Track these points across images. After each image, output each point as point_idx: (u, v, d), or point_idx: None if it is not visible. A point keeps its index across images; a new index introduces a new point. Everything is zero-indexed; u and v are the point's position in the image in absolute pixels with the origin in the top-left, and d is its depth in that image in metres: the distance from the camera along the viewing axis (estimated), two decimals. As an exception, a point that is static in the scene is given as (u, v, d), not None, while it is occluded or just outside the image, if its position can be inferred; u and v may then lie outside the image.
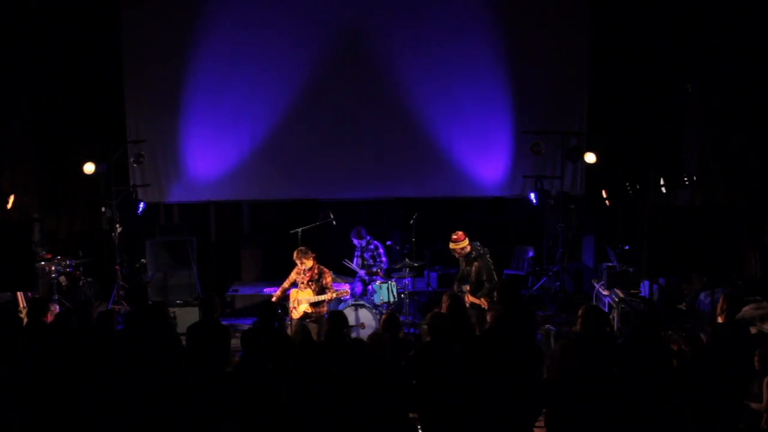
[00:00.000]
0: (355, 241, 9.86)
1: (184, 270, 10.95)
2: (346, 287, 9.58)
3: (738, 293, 6.38)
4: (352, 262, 9.84)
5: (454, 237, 8.20)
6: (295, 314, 8.33)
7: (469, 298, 7.96)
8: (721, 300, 6.18)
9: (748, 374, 5.74)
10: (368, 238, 9.84)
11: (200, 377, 5.60)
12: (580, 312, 5.66)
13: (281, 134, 11.43)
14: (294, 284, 8.53)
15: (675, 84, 10.84)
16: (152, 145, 11.24)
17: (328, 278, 8.40)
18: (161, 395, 5.47)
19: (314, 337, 8.21)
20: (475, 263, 8.08)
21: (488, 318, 6.71)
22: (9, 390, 5.48)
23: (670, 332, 7.07)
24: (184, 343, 6.44)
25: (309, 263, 8.34)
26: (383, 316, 6.41)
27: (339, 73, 11.30)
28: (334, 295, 8.48)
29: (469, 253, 8.18)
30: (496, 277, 8.12)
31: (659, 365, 5.41)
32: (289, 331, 8.39)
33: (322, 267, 8.44)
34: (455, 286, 8.36)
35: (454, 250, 8.22)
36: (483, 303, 7.86)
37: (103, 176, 10.44)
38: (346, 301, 9.15)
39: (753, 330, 7.26)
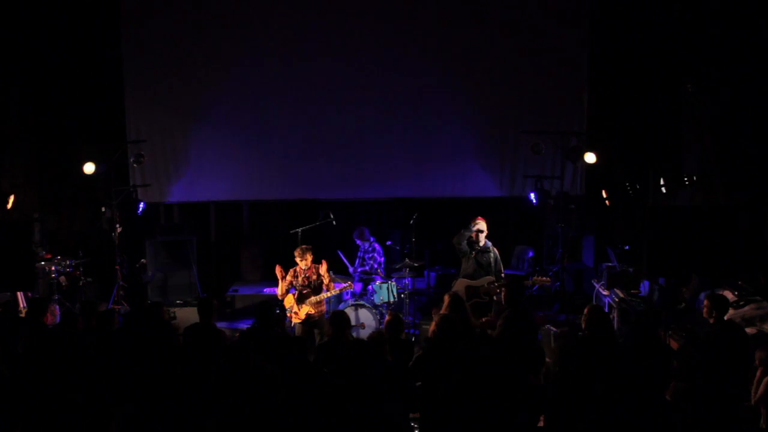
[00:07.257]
0: (359, 243, 9.86)
1: (184, 270, 10.96)
2: (347, 284, 9.57)
3: (721, 295, 6.34)
4: (354, 262, 9.84)
5: (481, 219, 8.51)
6: (296, 318, 8.30)
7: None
8: (706, 302, 6.11)
9: (746, 374, 5.74)
10: (372, 239, 9.83)
11: (197, 378, 5.60)
12: (585, 311, 5.70)
13: (281, 134, 11.45)
14: (290, 288, 8.43)
15: (675, 84, 10.83)
16: (152, 145, 11.25)
17: (326, 276, 8.39)
18: (158, 394, 5.46)
19: (316, 338, 8.20)
20: (492, 252, 8.38)
21: (494, 319, 6.71)
22: (9, 390, 5.48)
23: (670, 332, 7.06)
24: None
25: (309, 262, 8.33)
26: (387, 318, 6.38)
27: (339, 73, 11.31)
28: (335, 291, 8.46)
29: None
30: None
31: (659, 365, 5.41)
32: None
33: (319, 266, 8.43)
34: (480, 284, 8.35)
35: (481, 231, 8.42)
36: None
37: (103, 176, 10.44)
38: (346, 301, 9.15)
39: (753, 330, 7.25)
